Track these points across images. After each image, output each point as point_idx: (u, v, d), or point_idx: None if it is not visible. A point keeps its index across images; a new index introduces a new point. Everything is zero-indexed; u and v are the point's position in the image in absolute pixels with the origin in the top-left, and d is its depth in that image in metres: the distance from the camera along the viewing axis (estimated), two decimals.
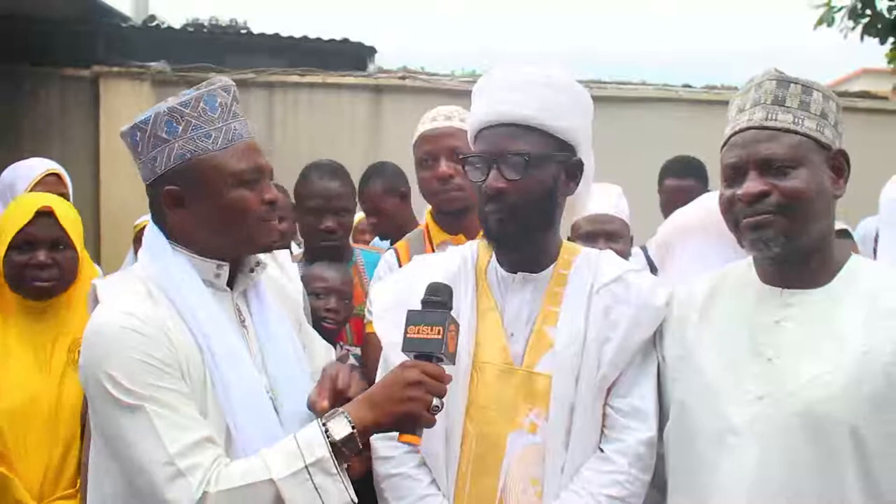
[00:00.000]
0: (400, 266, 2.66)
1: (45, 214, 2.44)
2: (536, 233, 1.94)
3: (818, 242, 1.75)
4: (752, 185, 1.72)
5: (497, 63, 2.03)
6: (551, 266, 1.98)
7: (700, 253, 2.35)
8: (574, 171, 1.95)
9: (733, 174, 1.77)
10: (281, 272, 2.05)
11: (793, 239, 1.72)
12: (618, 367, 1.89)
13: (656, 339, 1.94)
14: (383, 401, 1.64)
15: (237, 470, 1.59)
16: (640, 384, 1.91)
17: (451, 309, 1.72)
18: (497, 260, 2.01)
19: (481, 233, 2.63)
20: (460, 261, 2.03)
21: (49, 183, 3.19)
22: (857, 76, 14.85)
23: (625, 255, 2.93)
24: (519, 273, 1.96)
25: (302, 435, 1.62)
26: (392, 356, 1.94)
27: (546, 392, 1.87)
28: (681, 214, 2.58)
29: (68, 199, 3.24)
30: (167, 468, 1.55)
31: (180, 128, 1.73)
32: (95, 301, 1.79)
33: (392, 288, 2.08)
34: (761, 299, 1.81)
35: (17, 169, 3.27)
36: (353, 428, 1.61)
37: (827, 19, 8.02)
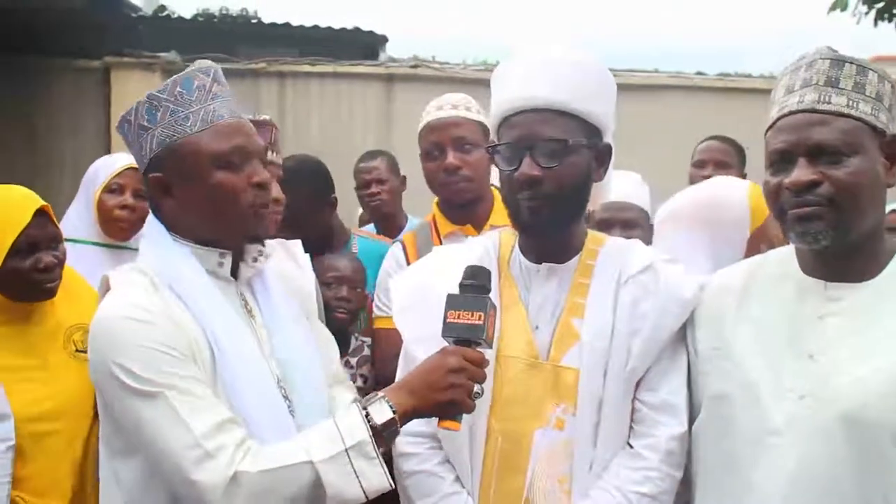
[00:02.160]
0: (407, 260, 2.63)
1: (41, 213, 2.34)
2: (568, 221, 1.89)
3: (868, 234, 1.64)
4: (802, 173, 1.60)
5: (512, 50, 1.99)
6: (576, 256, 1.92)
7: (674, 246, 2.29)
8: (603, 156, 1.90)
9: (781, 160, 1.65)
10: (294, 263, 2.03)
11: (843, 232, 1.61)
12: (647, 359, 1.84)
13: (688, 330, 1.88)
14: (425, 387, 1.62)
15: (273, 452, 1.58)
16: (671, 378, 1.85)
17: (489, 291, 1.69)
18: (521, 250, 1.96)
19: (488, 225, 2.62)
20: (482, 252, 1.97)
21: (129, 176, 3.08)
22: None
23: (643, 243, 2.88)
24: (544, 264, 1.90)
25: (341, 418, 1.61)
26: (413, 350, 1.90)
27: (573, 386, 1.82)
28: (676, 200, 2.51)
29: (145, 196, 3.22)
30: (194, 451, 1.53)
31: (159, 114, 1.72)
32: (107, 292, 1.78)
33: (413, 281, 2.04)
34: (803, 292, 1.71)
35: (102, 160, 3.20)
36: (393, 413, 1.59)
37: (841, 4, 7.92)
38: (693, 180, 3.91)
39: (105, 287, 1.78)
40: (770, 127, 1.70)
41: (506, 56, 2.01)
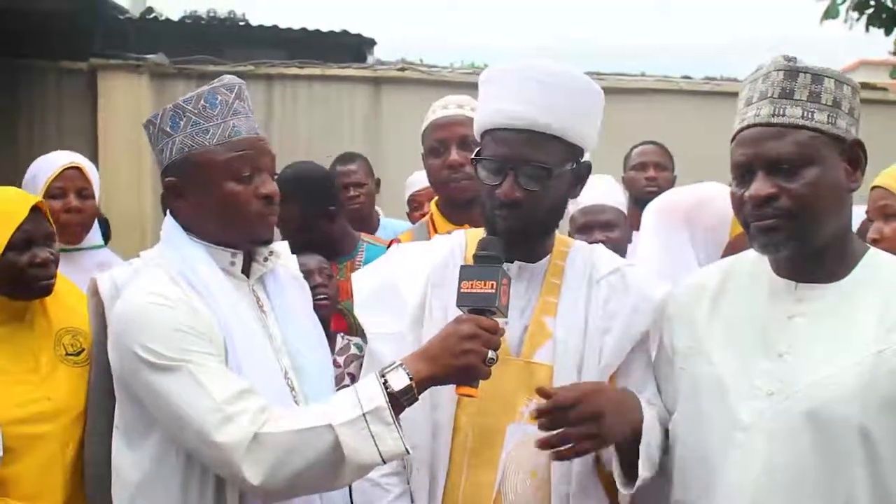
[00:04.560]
0: None
1: (36, 210, 2.34)
2: (542, 236, 1.94)
3: (832, 239, 1.68)
4: (760, 187, 1.65)
5: (499, 56, 2.00)
6: (547, 257, 1.96)
7: (662, 244, 2.35)
8: (582, 175, 1.92)
9: (742, 173, 1.70)
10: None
11: (803, 241, 1.66)
12: (618, 357, 1.90)
13: (665, 328, 1.92)
14: (440, 354, 1.68)
15: (295, 415, 1.68)
16: (649, 379, 1.94)
17: (502, 262, 1.74)
18: None
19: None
20: (448, 252, 2.00)
21: (69, 177, 3.03)
22: (856, 67, 14.83)
23: (623, 242, 2.94)
24: (516, 263, 1.93)
25: (361, 385, 1.69)
26: (377, 349, 1.94)
27: (546, 382, 1.85)
28: (668, 196, 2.58)
29: (92, 194, 3.10)
30: (215, 414, 1.63)
31: (182, 123, 1.83)
32: (95, 295, 1.80)
33: (376, 276, 2.06)
34: (774, 292, 1.75)
35: (39, 163, 3.12)
36: (410, 379, 1.65)
37: (833, 13, 7.99)
38: (634, 182, 4.05)
39: (93, 290, 1.80)
40: (733, 139, 1.74)
41: (494, 59, 2.02)
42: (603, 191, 2.98)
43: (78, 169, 3.08)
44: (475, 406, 1.84)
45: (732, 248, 2.29)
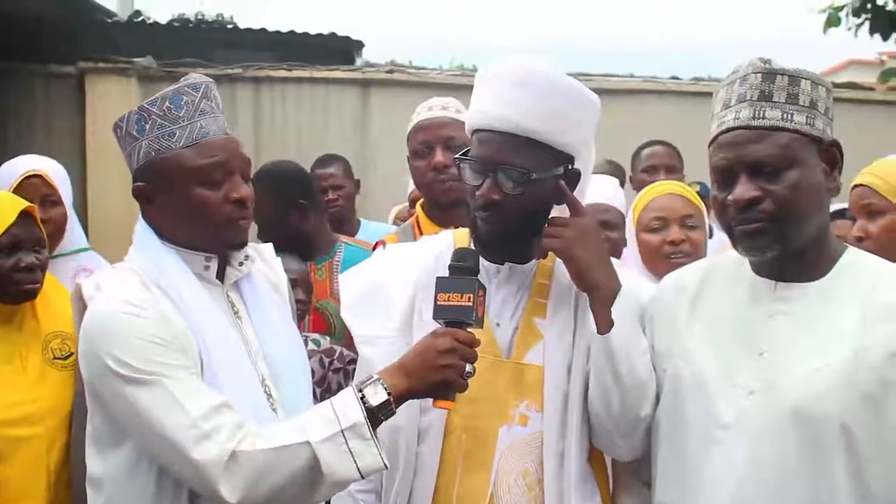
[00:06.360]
0: None
1: (26, 215, 2.36)
2: (524, 239, 1.92)
3: (813, 239, 1.70)
4: (743, 190, 1.65)
5: (489, 58, 1.97)
6: (535, 258, 1.95)
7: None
8: (572, 181, 1.89)
9: (723, 177, 1.70)
10: (267, 268, 2.04)
11: (787, 243, 1.67)
12: None
13: (646, 328, 1.92)
14: (417, 368, 1.67)
15: (272, 433, 1.65)
16: None
17: (478, 273, 1.74)
18: (479, 250, 1.97)
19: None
20: (437, 251, 1.99)
21: (31, 186, 2.89)
22: (845, 67, 14.90)
23: (620, 243, 2.98)
24: (506, 264, 1.93)
25: (337, 400, 1.67)
26: (366, 352, 1.94)
27: (536, 384, 1.86)
28: None
29: (60, 199, 3.00)
30: (192, 431, 1.59)
31: (147, 126, 1.77)
32: (80, 300, 1.79)
33: (363, 278, 2.05)
34: (754, 292, 1.76)
35: (2, 169, 3.03)
36: (388, 394, 1.64)
37: (834, 21, 8.04)
38: (643, 185, 4.01)
39: (78, 295, 1.80)
40: (711, 142, 1.74)
41: (484, 61, 2.01)
42: (607, 191, 3.03)
43: (39, 177, 2.96)
44: (468, 408, 1.83)
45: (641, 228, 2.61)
